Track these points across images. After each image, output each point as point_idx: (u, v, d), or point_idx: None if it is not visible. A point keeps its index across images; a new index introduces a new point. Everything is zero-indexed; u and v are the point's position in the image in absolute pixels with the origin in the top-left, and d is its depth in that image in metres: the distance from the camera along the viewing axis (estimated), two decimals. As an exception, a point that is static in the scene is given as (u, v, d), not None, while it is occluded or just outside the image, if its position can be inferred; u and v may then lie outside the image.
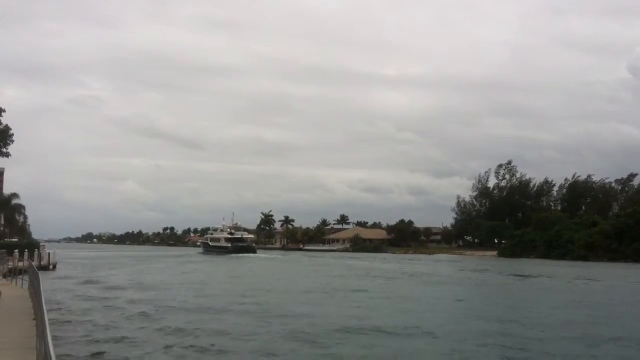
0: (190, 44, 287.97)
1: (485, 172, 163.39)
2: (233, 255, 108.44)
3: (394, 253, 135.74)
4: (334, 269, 67.40)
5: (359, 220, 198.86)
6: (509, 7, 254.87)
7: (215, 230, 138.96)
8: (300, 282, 47.07)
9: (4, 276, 33.10)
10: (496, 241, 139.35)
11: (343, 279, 51.46)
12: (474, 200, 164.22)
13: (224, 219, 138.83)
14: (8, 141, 55.91)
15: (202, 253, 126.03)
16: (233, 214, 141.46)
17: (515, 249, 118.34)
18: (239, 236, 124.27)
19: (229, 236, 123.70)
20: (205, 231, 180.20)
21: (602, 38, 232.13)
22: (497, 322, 24.33)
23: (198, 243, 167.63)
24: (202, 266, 72.48)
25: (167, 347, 17.76)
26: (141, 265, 69.62)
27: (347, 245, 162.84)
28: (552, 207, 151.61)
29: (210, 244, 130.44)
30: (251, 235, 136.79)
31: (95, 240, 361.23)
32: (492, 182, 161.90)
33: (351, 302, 31.93)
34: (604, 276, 58.32)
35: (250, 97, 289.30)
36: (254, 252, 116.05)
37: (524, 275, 58.32)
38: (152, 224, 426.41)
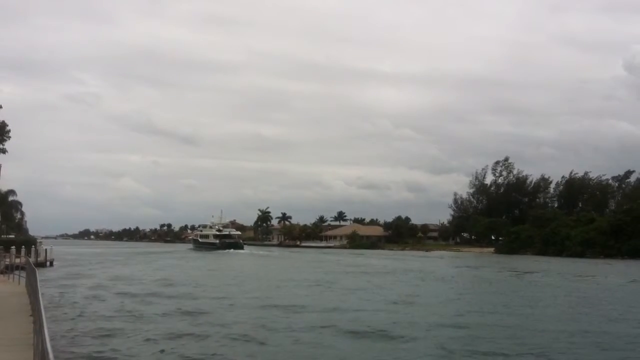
0: (187, 40, 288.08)
1: (482, 169, 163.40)
2: (221, 251, 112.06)
3: (391, 250, 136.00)
4: (318, 265, 68.25)
5: (357, 217, 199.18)
6: (505, 3, 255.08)
7: (205, 227, 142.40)
8: (265, 275, 50.90)
9: (1, 273, 33.07)
10: (493, 238, 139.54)
11: (319, 274, 52.05)
12: (471, 197, 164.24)
13: (212, 216, 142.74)
14: (5, 137, 55.84)
15: (192, 249, 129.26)
16: (221, 212, 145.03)
17: (512, 246, 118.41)
18: (227, 233, 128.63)
19: (217, 233, 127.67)
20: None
21: (599, 35, 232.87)
22: (492, 316, 24.46)
23: (190, 238, 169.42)
24: (181, 262, 75.09)
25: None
26: (129, 261, 72.98)
27: (345, 242, 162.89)
28: (549, 204, 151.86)
29: (200, 240, 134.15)
30: (239, 232, 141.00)
31: (92, 236, 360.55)
32: (489, 179, 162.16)
33: (297, 293, 33.79)
34: (600, 272, 58.39)
35: (247, 94, 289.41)
36: (242, 248, 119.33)
37: (520, 272, 58.51)
38: (149, 221, 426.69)
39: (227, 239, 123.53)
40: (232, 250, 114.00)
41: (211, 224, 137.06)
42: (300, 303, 28.59)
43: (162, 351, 17.11)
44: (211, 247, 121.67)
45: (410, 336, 19.89)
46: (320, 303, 28.99)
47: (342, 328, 21.45)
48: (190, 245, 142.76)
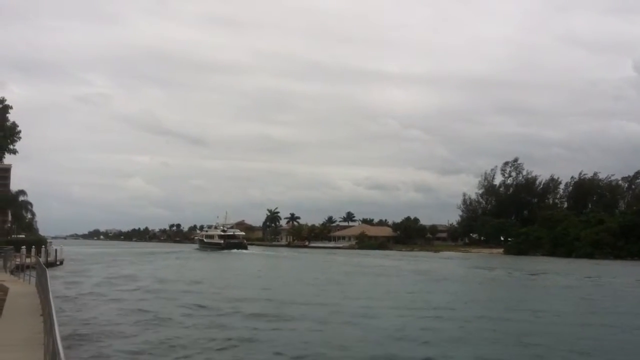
0: (194, 41, 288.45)
1: (492, 169, 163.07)
2: (225, 251, 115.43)
3: (400, 250, 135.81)
4: (319, 266, 68.51)
5: (365, 218, 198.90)
6: (511, 4, 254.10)
7: (210, 227, 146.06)
8: (264, 274, 52.74)
9: (12, 273, 33.30)
10: (502, 239, 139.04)
11: (319, 275, 52.52)
12: (480, 197, 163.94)
13: (217, 217, 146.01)
14: (15, 138, 56.21)
15: (198, 249, 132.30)
16: (226, 213, 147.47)
17: (522, 247, 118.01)
18: (231, 233, 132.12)
19: (222, 233, 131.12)
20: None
21: (607, 36, 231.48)
22: (502, 319, 24.41)
23: (196, 239, 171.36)
24: (184, 262, 75.98)
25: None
26: (135, 260, 74.30)
27: (353, 242, 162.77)
28: (558, 205, 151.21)
29: (205, 240, 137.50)
30: (243, 233, 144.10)
31: (101, 237, 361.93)
32: (498, 180, 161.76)
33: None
34: (610, 274, 58.11)
35: (255, 94, 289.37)
36: (245, 248, 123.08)
37: (533, 273, 58.25)
38: (159, 221, 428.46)
39: (231, 240, 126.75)
40: (236, 250, 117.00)
41: (216, 225, 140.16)
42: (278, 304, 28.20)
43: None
44: (216, 247, 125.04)
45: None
46: (320, 304, 28.63)
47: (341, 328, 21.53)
48: (197, 246, 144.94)
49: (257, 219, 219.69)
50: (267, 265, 69.92)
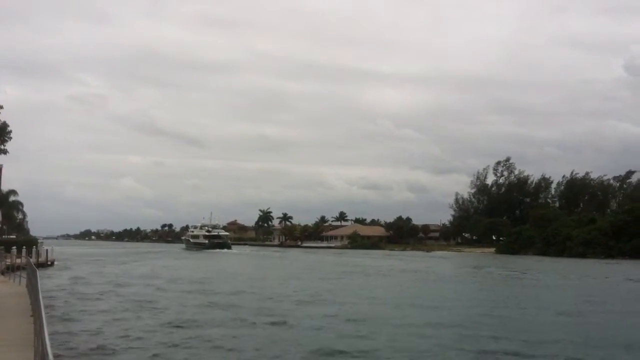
0: (189, 41, 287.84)
1: (484, 169, 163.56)
2: (209, 250, 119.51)
3: (392, 250, 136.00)
4: (299, 265, 68.74)
5: (358, 217, 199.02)
6: (505, 5, 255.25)
7: (196, 227, 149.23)
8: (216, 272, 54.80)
9: (2, 273, 33.08)
10: (494, 238, 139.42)
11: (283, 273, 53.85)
12: (472, 197, 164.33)
13: (204, 217, 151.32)
14: (6, 138, 55.80)
15: (184, 249, 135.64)
16: (211, 213, 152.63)
17: (514, 246, 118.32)
18: (216, 234, 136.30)
19: (207, 233, 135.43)
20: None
21: (599, 36, 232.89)
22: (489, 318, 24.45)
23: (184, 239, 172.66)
24: (163, 261, 76.62)
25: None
26: (120, 260, 75.71)
27: (346, 242, 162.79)
28: (550, 204, 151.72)
29: (191, 240, 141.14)
30: (227, 233, 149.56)
31: (93, 237, 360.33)
32: (490, 179, 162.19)
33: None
34: (601, 273, 58.35)
35: (249, 94, 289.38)
36: (229, 248, 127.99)
37: (524, 272, 58.42)
38: (151, 221, 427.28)
39: (215, 239, 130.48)
40: (219, 250, 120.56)
41: (201, 225, 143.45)
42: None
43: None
44: (201, 246, 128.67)
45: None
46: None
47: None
48: (184, 245, 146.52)
49: (250, 218, 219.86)
50: (239, 264, 72.67)
